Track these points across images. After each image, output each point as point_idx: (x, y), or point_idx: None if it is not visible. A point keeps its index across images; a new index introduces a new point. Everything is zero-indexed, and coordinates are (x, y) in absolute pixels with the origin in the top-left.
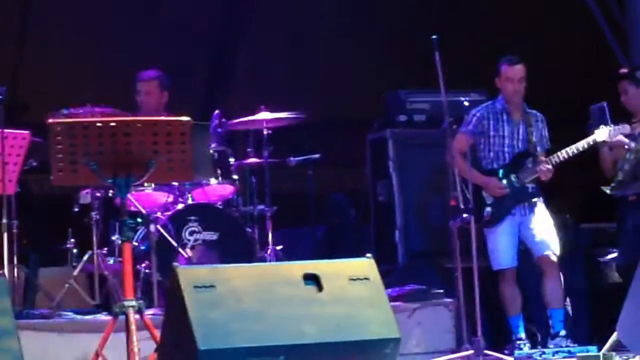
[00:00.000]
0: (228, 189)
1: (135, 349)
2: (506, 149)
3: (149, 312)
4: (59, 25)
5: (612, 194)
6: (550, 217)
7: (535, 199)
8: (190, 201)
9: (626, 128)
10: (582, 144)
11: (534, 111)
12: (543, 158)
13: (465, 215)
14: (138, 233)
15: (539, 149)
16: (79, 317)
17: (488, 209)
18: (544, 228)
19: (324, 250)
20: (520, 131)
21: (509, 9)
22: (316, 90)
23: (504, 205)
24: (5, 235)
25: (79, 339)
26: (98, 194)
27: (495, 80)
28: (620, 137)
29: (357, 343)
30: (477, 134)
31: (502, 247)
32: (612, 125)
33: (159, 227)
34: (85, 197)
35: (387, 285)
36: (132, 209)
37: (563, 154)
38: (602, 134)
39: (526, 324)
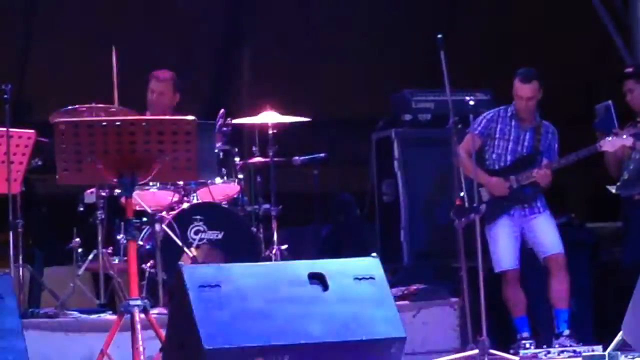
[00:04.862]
0: (233, 189)
1: (141, 348)
2: (509, 153)
3: (154, 312)
4: (64, 24)
5: (617, 193)
6: (553, 218)
7: (534, 201)
8: (195, 200)
9: (629, 140)
10: (583, 152)
11: (547, 122)
12: (544, 164)
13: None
14: (143, 232)
15: (545, 159)
16: (84, 316)
17: (482, 205)
18: (548, 229)
19: (329, 250)
20: (527, 138)
21: (513, 8)
22: (321, 89)
23: (500, 205)
24: (10, 235)
25: (84, 339)
26: (103, 193)
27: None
28: (625, 137)
29: (362, 342)
30: (485, 136)
31: (502, 248)
32: (613, 137)
33: (164, 226)
34: (90, 196)
35: (392, 284)
36: (137, 208)
37: (563, 160)
38: (605, 144)
39: (530, 323)
